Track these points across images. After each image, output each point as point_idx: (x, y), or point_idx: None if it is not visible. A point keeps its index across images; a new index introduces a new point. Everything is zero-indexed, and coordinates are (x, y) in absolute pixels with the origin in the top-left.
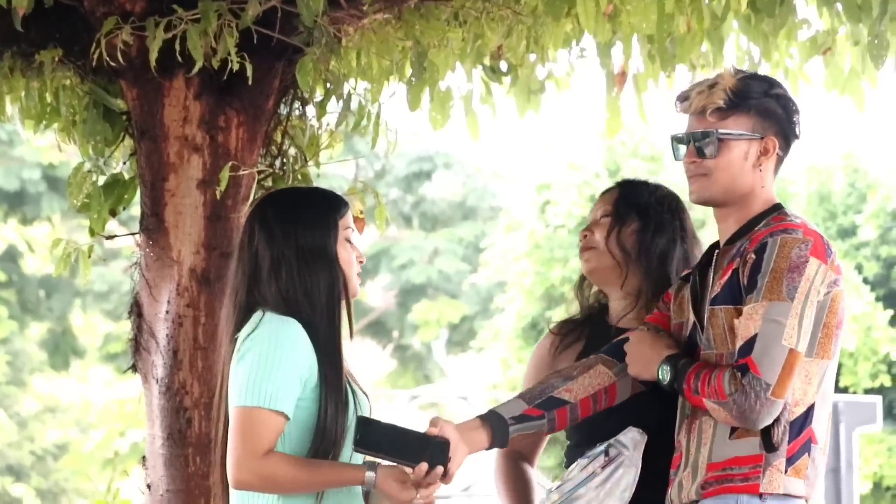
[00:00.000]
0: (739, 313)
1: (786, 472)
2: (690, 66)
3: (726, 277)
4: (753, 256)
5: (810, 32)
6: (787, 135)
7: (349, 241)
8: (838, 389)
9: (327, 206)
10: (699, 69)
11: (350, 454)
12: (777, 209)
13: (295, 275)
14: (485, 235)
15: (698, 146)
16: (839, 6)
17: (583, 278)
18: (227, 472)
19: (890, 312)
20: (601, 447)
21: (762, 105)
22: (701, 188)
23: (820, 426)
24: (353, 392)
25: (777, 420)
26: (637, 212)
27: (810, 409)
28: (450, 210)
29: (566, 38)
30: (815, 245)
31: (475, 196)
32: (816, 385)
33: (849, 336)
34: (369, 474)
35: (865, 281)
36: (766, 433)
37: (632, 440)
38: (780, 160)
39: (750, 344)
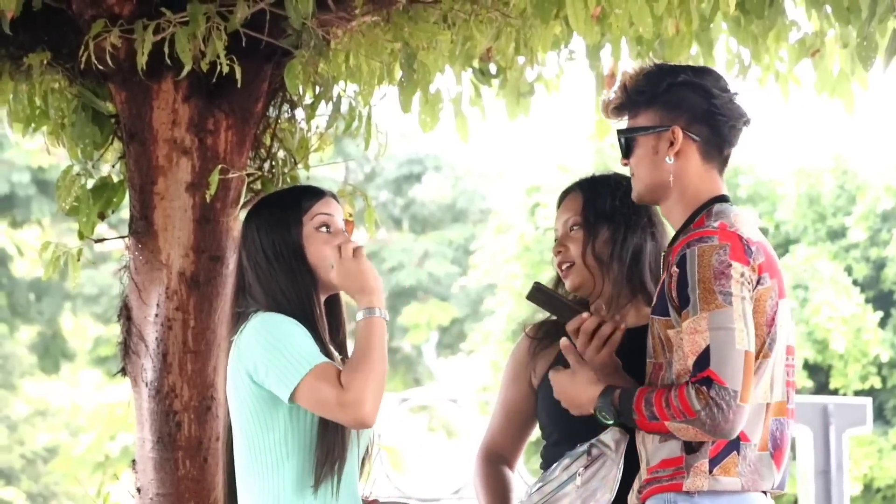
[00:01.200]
0: (670, 325)
1: (711, 472)
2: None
3: (658, 287)
4: (677, 270)
5: (799, 34)
6: (702, 118)
7: (326, 230)
8: (828, 391)
9: (285, 206)
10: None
11: (358, 456)
12: (708, 206)
13: (269, 278)
14: (474, 238)
15: (621, 148)
16: (828, 8)
17: (558, 281)
18: (357, 420)
19: (880, 314)
20: (583, 447)
21: (666, 96)
22: (633, 186)
23: (749, 425)
24: None
25: None
26: (605, 218)
27: None
28: (439, 212)
29: (555, 40)
30: (733, 248)
31: (465, 198)
32: (764, 383)
33: (838, 338)
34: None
35: (855, 283)
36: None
37: (613, 439)
38: (703, 147)
39: (705, 357)
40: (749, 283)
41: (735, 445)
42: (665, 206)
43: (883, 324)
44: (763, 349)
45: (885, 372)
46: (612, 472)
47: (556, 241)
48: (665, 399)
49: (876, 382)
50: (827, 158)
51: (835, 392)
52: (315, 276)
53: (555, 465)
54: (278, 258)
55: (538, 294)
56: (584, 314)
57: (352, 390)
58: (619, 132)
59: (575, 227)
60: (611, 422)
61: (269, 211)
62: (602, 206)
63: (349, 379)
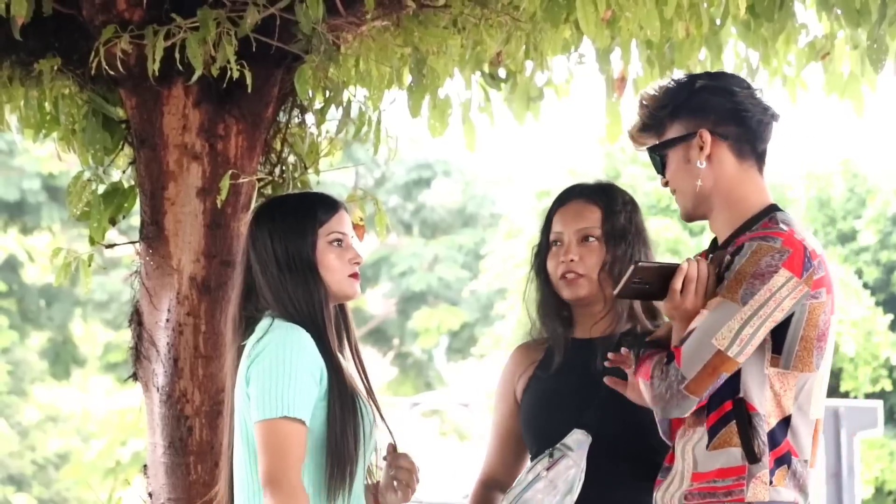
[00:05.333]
0: None
1: (770, 483)
2: (689, 72)
3: None
4: (729, 258)
5: (809, 37)
6: (729, 117)
7: (339, 244)
8: (839, 394)
9: (305, 213)
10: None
11: (365, 465)
12: (769, 212)
13: (279, 284)
14: (485, 242)
15: (656, 168)
16: (838, 10)
17: (548, 301)
18: (264, 489)
19: (890, 317)
20: (546, 451)
21: (688, 104)
22: (678, 204)
23: (800, 440)
24: (361, 401)
25: (756, 431)
26: (622, 235)
27: (785, 421)
28: (449, 217)
29: (565, 44)
30: (793, 257)
31: (475, 203)
32: (792, 398)
33: (848, 341)
34: None
35: (865, 286)
36: (748, 444)
37: (575, 441)
38: (735, 146)
39: (687, 335)
40: (794, 294)
41: (786, 459)
42: (713, 218)
43: (893, 327)
44: (811, 364)
45: None
46: (572, 472)
47: (552, 244)
48: (647, 359)
49: (887, 385)
50: (836, 162)
51: (845, 395)
52: (326, 288)
53: (522, 470)
54: (290, 267)
55: (637, 276)
56: (684, 264)
57: (283, 489)
58: (650, 150)
59: (591, 239)
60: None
61: (283, 218)
62: (620, 222)
63: (292, 483)
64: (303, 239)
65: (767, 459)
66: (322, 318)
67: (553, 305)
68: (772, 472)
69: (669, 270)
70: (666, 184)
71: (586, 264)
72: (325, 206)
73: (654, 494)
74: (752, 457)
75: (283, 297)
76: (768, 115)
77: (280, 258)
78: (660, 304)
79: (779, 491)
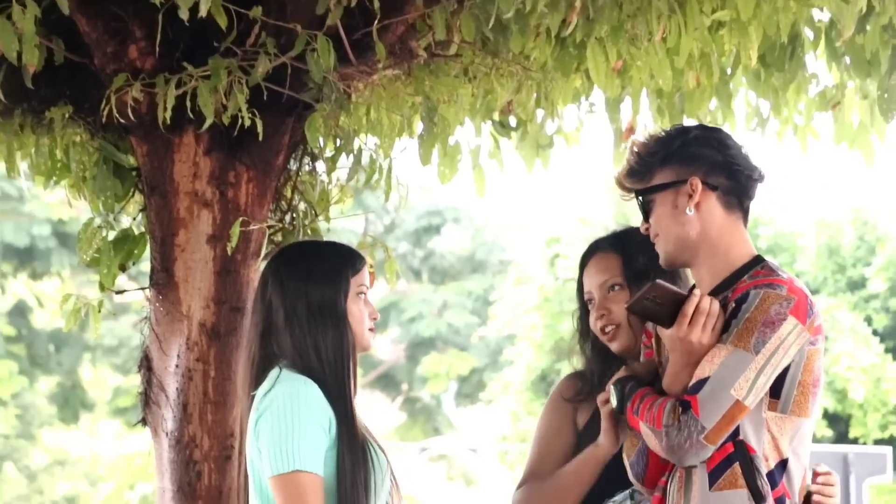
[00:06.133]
0: None
1: None
2: (699, 122)
3: None
4: (734, 304)
5: (819, 87)
6: (720, 169)
7: (363, 297)
8: (848, 440)
9: (340, 262)
10: (708, 124)
11: None
12: (759, 262)
13: (305, 330)
14: (494, 289)
15: (641, 210)
16: (848, 61)
17: (585, 338)
18: None
19: None
20: (624, 493)
21: (681, 153)
22: (659, 250)
23: (793, 483)
24: (372, 448)
25: (758, 471)
26: (644, 276)
27: (783, 464)
28: (459, 264)
29: (575, 93)
30: (798, 304)
31: (484, 250)
32: (788, 441)
33: (858, 387)
34: None
35: (875, 333)
36: (753, 485)
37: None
38: (724, 197)
39: (700, 384)
40: (798, 341)
41: (783, 501)
42: (696, 267)
43: None
44: (807, 409)
45: None
46: None
47: (587, 304)
48: (651, 403)
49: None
50: (846, 210)
51: (855, 441)
52: (354, 338)
53: None
54: (324, 313)
55: (652, 293)
56: (697, 291)
57: None
58: (637, 193)
59: (616, 288)
60: (615, 404)
61: (321, 263)
62: (638, 264)
63: None
64: (339, 286)
65: (771, 501)
66: (348, 366)
67: (606, 362)
68: None
69: (683, 298)
70: (647, 230)
71: (616, 314)
72: (358, 257)
73: None
74: (759, 496)
75: (307, 344)
76: (756, 173)
77: (313, 303)
78: (662, 333)
79: None
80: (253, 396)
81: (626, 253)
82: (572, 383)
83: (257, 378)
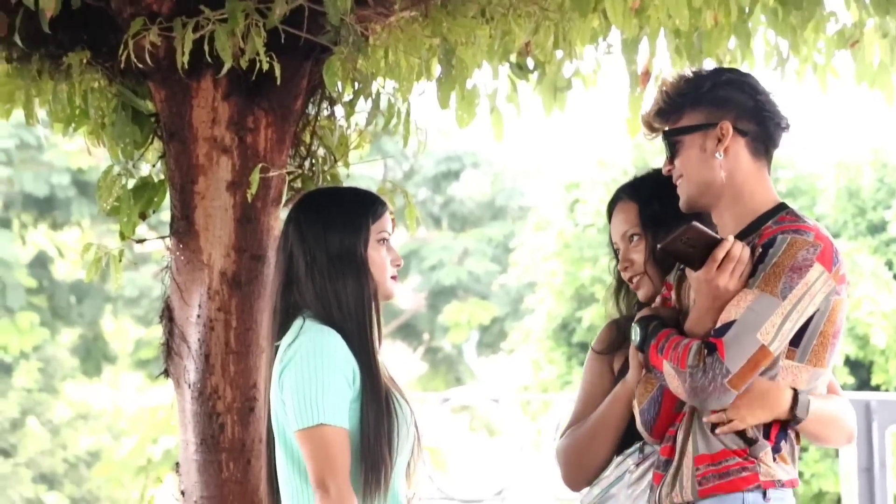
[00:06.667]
0: None
1: (774, 460)
2: (718, 61)
3: None
4: (760, 249)
5: (838, 26)
6: (750, 115)
7: (385, 244)
8: (870, 388)
9: (359, 209)
10: (727, 64)
11: (404, 463)
12: (784, 208)
13: (326, 279)
14: (514, 235)
15: (667, 153)
16: None
17: (620, 287)
18: (315, 493)
19: None
20: (636, 445)
21: (711, 95)
22: (680, 192)
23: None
24: (396, 400)
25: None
26: (662, 222)
27: None
28: (478, 210)
29: (593, 34)
30: (824, 251)
31: (504, 195)
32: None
33: (879, 333)
34: None
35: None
36: (741, 431)
37: None
38: (752, 143)
39: (726, 327)
40: (824, 289)
41: (784, 432)
42: (718, 211)
43: None
44: (824, 360)
45: None
46: None
47: (616, 255)
48: (677, 343)
49: None
50: (866, 151)
51: (877, 388)
52: (375, 285)
53: (610, 463)
54: (343, 261)
55: (687, 235)
56: (730, 237)
57: (331, 495)
58: (665, 134)
59: (636, 237)
60: (637, 341)
61: (339, 210)
62: (655, 209)
63: (340, 489)
64: (358, 233)
65: (770, 439)
66: (370, 316)
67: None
68: (777, 449)
69: (716, 242)
70: (669, 171)
71: (637, 263)
72: (378, 202)
73: (658, 490)
74: (747, 440)
75: (328, 294)
76: (784, 121)
77: (332, 251)
78: (690, 276)
79: (781, 468)
80: (277, 347)
81: (642, 200)
82: (605, 334)
83: (281, 328)
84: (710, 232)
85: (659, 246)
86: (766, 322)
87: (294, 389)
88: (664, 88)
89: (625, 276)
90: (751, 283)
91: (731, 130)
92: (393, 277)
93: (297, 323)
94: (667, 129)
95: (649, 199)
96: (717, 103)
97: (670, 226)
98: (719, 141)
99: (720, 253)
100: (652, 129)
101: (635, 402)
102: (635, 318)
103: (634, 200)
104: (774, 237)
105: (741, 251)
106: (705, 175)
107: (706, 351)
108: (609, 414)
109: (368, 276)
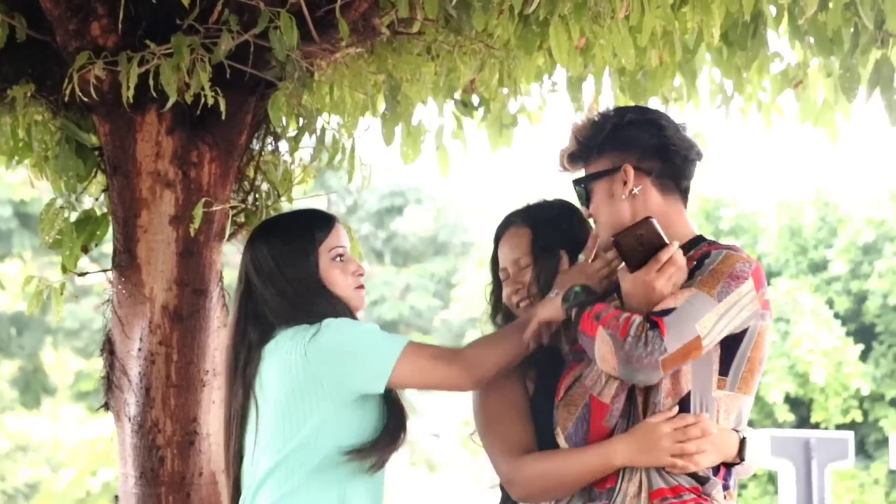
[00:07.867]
0: None
1: (724, 497)
2: (663, 100)
3: None
4: (695, 262)
5: (782, 65)
6: (653, 153)
7: (341, 259)
8: (809, 425)
9: (304, 235)
10: (672, 102)
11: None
12: (703, 240)
13: (300, 305)
14: (456, 271)
15: (580, 198)
16: (810, 39)
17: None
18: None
19: (860, 347)
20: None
21: (614, 138)
22: (601, 235)
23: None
24: None
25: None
26: (551, 248)
27: None
28: (421, 245)
29: (538, 71)
30: (757, 271)
31: (446, 231)
32: (734, 420)
33: (819, 371)
34: None
35: (836, 316)
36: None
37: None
38: (658, 181)
39: (667, 311)
40: (751, 306)
41: (730, 471)
42: None
43: (864, 357)
44: (751, 387)
45: (867, 405)
46: None
47: (502, 276)
48: (619, 315)
49: (857, 416)
50: (809, 191)
51: (816, 426)
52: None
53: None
54: (304, 286)
55: (642, 230)
56: (676, 243)
57: (458, 359)
58: (574, 182)
59: (526, 262)
60: (571, 301)
61: (282, 241)
62: (547, 239)
63: (463, 352)
64: (306, 259)
65: (719, 477)
66: None
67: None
68: (724, 488)
69: (662, 246)
70: (590, 215)
71: (525, 288)
72: (321, 222)
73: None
74: (699, 479)
75: (307, 315)
76: (693, 152)
77: (291, 279)
78: (623, 277)
79: None
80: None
81: (536, 227)
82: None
83: (250, 354)
84: (661, 233)
85: (615, 235)
86: (704, 316)
87: (355, 352)
88: (573, 132)
89: (514, 298)
90: (687, 283)
91: (632, 172)
92: (358, 287)
93: (291, 328)
94: (574, 178)
95: (544, 226)
96: (619, 146)
97: (554, 254)
98: (624, 184)
99: (665, 255)
100: (567, 170)
101: (558, 430)
102: (581, 284)
103: (528, 226)
104: (709, 252)
105: (681, 259)
106: (615, 218)
107: (648, 325)
108: (585, 469)
109: (331, 295)
